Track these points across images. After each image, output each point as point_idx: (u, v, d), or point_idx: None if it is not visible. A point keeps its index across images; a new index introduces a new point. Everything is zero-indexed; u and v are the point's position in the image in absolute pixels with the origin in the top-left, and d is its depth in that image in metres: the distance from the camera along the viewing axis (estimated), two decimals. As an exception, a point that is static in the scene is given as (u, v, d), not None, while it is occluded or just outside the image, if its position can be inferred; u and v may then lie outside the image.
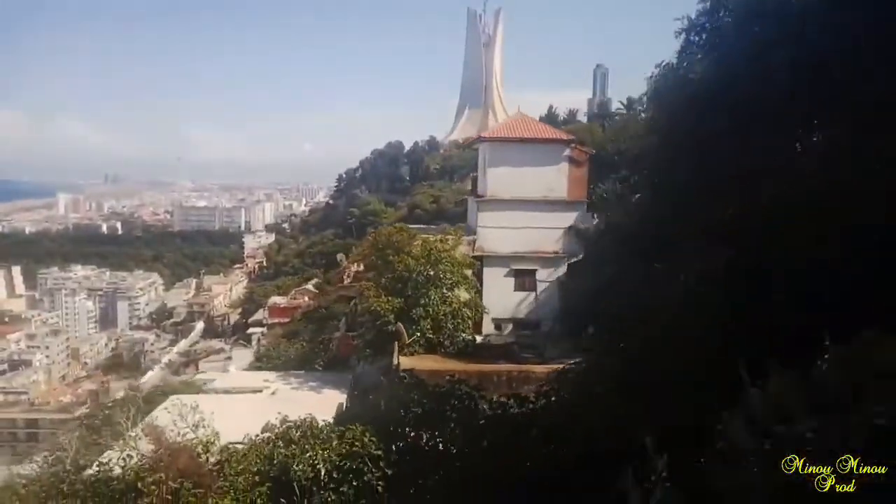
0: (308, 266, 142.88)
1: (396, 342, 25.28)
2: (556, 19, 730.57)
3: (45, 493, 14.35)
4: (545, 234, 30.24)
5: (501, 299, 30.12)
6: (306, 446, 15.94)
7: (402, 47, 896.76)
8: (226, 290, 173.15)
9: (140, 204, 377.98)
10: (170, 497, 13.58)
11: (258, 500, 14.37)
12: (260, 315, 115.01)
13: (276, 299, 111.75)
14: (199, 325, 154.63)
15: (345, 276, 33.06)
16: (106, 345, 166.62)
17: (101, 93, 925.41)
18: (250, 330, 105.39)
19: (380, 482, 13.24)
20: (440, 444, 14.05)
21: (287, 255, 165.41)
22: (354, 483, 13.44)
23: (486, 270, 30.11)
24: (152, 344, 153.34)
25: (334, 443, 14.84)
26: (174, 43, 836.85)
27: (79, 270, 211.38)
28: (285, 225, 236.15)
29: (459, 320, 27.36)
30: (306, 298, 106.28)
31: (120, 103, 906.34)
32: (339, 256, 37.66)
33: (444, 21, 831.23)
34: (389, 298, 26.99)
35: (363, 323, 28.95)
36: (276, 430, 17.47)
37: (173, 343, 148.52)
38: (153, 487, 13.52)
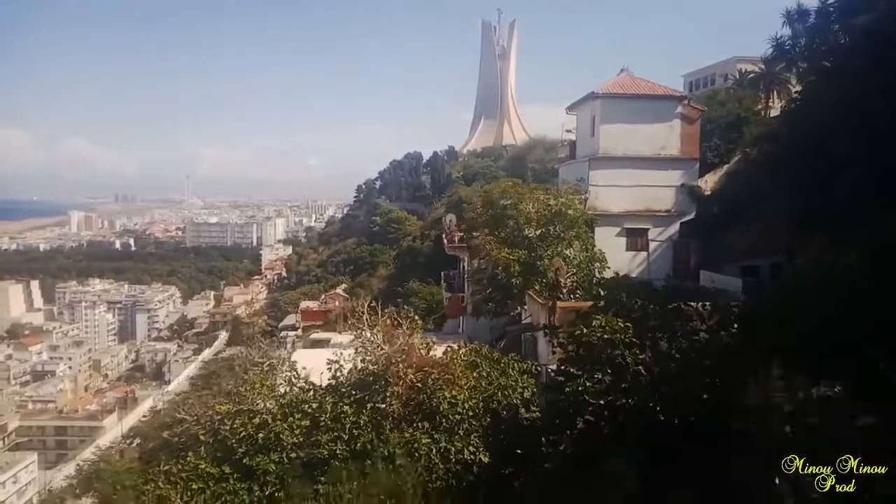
0: (331, 274, 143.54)
1: (526, 292, 24.95)
2: (564, 29, 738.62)
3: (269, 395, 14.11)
4: (657, 192, 29.99)
5: (612, 259, 29.65)
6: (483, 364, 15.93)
7: (404, 58, 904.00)
8: (247, 300, 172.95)
9: (151, 221, 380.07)
10: (419, 385, 13.35)
11: (498, 394, 14.11)
12: (290, 320, 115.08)
13: (308, 304, 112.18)
14: (223, 335, 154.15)
15: (452, 238, 32.62)
16: (126, 356, 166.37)
17: (108, 110, 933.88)
18: (283, 334, 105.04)
19: (639, 367, 12.86)
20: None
21: (309, 265, 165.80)
22: (609, 370, 13.08)
23: (597, 230, 29.73)
24: (174, 354, 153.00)
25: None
26: (178, 58, 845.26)
27: (96, 284, 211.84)
28: (301, 237, 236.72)
29: (583, 275, 26.98)
30: (337, 302, 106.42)
31: (126, 120, 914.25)
32: (448, 217, 37.02)
33: (448, 32, 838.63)
34: (511, 250, 26.68)
35: (479, 280, 28.57)
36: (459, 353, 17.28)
37: (197, 352, 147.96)
38: (401, 376, 13.33)
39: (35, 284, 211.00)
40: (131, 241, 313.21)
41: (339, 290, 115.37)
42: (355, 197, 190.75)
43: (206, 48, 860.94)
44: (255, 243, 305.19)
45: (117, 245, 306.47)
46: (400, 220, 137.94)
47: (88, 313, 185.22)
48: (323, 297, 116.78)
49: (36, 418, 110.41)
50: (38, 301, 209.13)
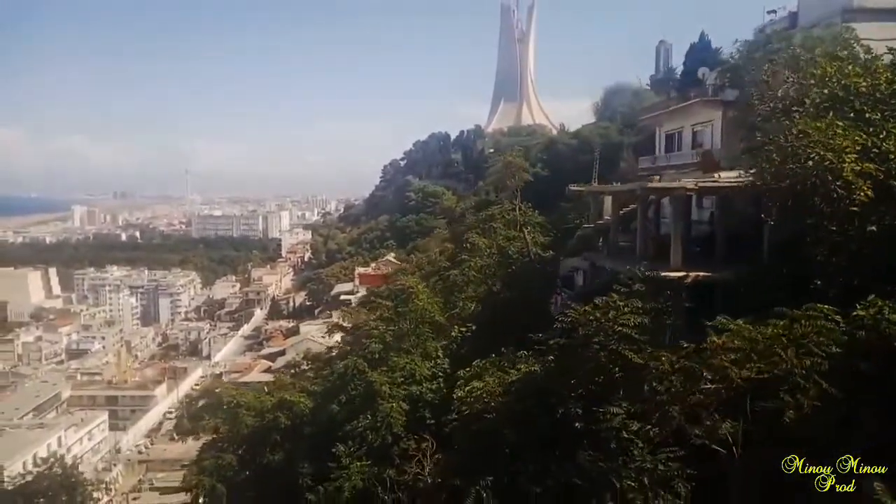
0: (366, 250, 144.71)
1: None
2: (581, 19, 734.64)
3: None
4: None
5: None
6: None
7: (404, 54, 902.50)
8: (276, 280, 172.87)
9: (153, 216, 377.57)
10: None
11: None
12: (340, 288, 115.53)
13: (363, 270, 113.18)
14: (258, 312, 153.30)
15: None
16: (153, 338, 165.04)
17: (104, 107, 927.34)
18: (342, 297, 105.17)
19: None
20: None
21: (340, 244, 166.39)
22: None
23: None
24: (208, 332, 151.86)
25: None
26: (175, 55, 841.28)
27: (115, 271, 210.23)
28: (321, 220, 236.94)
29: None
30: (390, 268, 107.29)
31: (123, 117, 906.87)
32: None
33: (454, 24, 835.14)
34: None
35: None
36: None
37: (234, 328, 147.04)
38: None
39: (53, 272, 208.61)
40: (137, 234, 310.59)
41: (389, 258, 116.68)
42: (381, 177, 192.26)
43: (201, 44, 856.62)
44: (262, 234, 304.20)
45: (123, 237, 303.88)
46: (437, 193, 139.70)
47: (112, 297, 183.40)
48: (374, 264, 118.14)
49: (87, 388, 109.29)
50: (56, 288, 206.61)
